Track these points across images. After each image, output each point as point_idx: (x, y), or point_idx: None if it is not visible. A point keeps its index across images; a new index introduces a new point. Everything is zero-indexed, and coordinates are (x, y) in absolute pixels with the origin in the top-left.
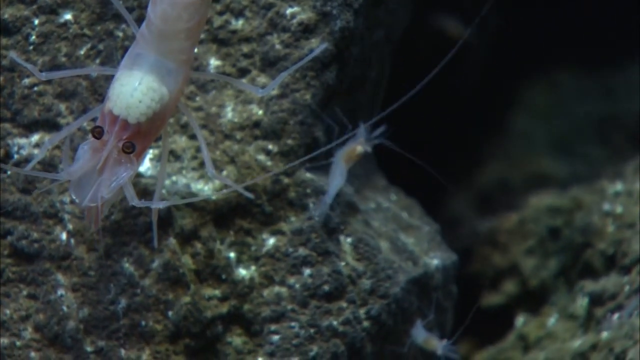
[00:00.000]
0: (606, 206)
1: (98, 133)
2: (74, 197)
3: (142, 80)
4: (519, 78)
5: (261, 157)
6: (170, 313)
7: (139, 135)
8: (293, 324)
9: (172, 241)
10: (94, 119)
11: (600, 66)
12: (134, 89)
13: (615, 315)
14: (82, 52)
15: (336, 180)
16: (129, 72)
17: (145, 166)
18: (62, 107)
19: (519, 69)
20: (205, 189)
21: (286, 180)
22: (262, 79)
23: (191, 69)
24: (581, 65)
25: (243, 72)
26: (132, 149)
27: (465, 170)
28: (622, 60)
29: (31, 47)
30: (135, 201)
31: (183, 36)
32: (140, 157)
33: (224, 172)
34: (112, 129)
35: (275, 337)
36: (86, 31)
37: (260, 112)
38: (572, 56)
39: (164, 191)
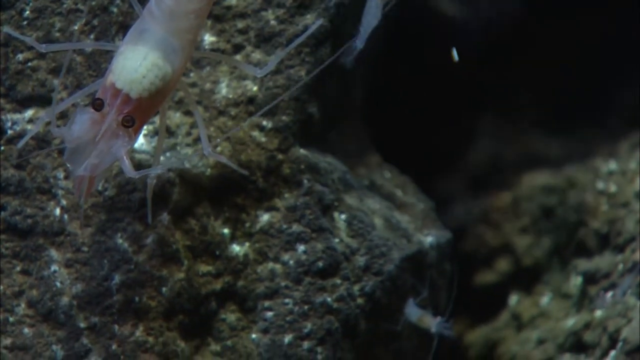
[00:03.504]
0: (600, 185)
1: (99, 105)
2: (69, 166)
3: (147, 56)
4: (512, 59)
5: (255, 133)
6: (164, 289)
7: (139, 110)
8: (287, 300)
9: (167, 217)
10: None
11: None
12: (139, 64)
13: (609, 294)
14: (76, 28)
15: (370, 18)
16: (133, 47)
17: (140, 142)
18: (56, 82)
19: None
20: (199, 165)
21: (280, 156)
22: (256, 55)
23: (194, 48)
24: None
25: (238, 48)
26: (131, 123)
27: (457, 149)
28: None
29: (25, 22)
30: (132, 172)
31: (193, 16)
32: (137, 132)
33: (218, 149)
34: (113, 102)
35: (269, 314)
36: (80, 6)
37: (255, 88)
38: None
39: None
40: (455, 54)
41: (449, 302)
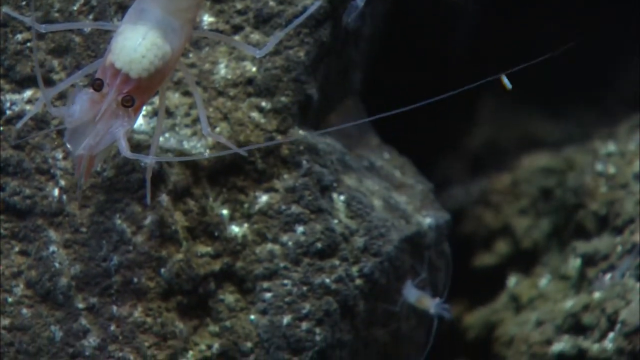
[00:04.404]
0: (599, 167)
1: (98, 85)
2: (69, 146)
3: (147, 35)
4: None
5: (254, 114)
6: (162, 270)
7: (139, 90)
8: (285, 281)
9: (165, 198)
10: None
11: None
12: (138, 43)
13: (608, 276)
14: (75, 8)
15: None
16: (133, 26)
17: (139, 122)
18: (55, 63)
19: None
20: (198, 146)
21: (279, 137)
22: (255, 36)
23: (193, 28)
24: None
25: (237, 29)
26: (131, 102)
27: (457, 131)
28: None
29: (24, 3)
30: (128, 153)
31: None
32: (137, 112)
33: (217, 129)
34: (113, 82)
35: (268, 295)
36: None
37: (254, 69)
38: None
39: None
40: (506, 81)
41: (446, 284)
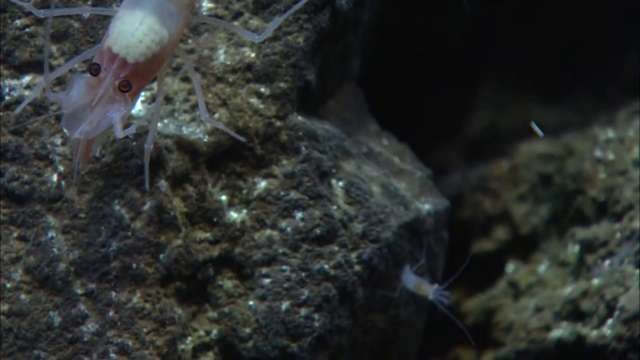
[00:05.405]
0: (598, 153)
1: (95, 70)
2: (66, 131)
3: (144, 20)
4: (509, 25)
5: (253, 100)
6: (161, 256)
7: (136, 75)
8: (284, 267)
9: (164, 184)
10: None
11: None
12: (135, 28)
13: (607, 262)
14: None
15: None
16: (130, 11)
17: (137, 108)
18: (54, 48)
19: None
20: (196, 131)
21: (278, 123)
22: (254, 22)
23: (191, 13)
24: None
25: (236, 15)
26: (128, 87)
27: (455, 117)
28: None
29: None
30: (121, 134)
31: None
32: (135, 97)
33: (216, 115)
34: (110, 66)
35: (266, 281)
36: None
37: (253, 54)
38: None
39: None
40: (536, 128)
41: (454, 272)
